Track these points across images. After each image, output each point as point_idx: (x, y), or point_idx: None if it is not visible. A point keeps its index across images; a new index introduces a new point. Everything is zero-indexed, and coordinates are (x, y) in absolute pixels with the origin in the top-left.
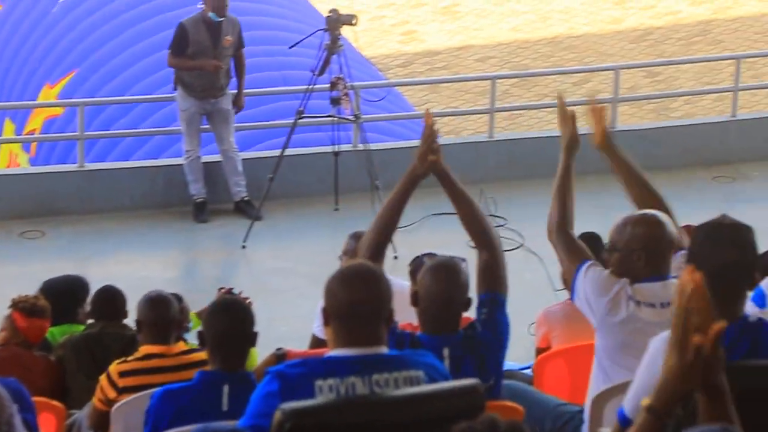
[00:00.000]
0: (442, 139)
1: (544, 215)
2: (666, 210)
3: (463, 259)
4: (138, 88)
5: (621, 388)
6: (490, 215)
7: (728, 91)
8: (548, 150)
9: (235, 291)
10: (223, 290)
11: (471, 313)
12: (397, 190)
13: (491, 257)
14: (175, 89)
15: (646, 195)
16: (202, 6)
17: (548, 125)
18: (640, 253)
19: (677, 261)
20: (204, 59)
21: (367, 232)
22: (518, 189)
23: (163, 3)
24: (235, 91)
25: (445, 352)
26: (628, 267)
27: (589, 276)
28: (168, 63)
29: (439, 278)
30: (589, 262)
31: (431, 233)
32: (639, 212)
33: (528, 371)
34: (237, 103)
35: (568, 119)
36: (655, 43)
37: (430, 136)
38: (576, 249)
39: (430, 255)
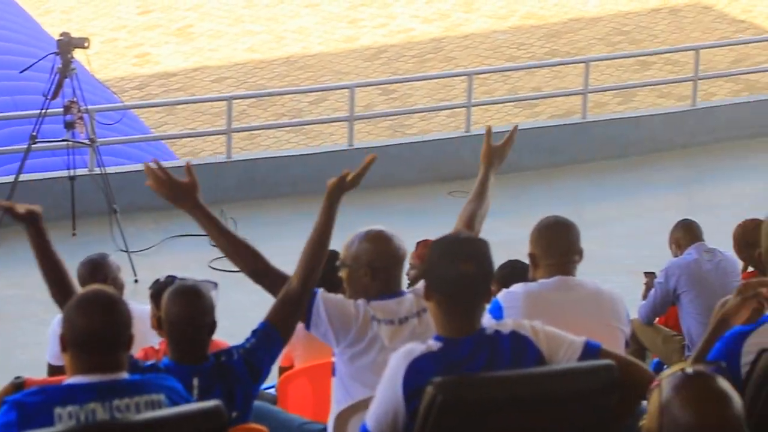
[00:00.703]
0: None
1: (283, 234)
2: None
3: (215, 284)
4: None
5: (363, 405)
6: None
7: (461, 107)
8: (287, 169)
9: None
10: None
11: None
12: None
13: (297, 294)
14: None
15: (465, 213)
16: None
17: (286, 144)
18: (366, 269)
19: None
20: None
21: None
22: (258, 208)
23: None
24: None
25: (195, 381)
26: (357, 283)
27: (330, 303)
28: None
29: (181, 303)
30: (321, 290)
31: (172, 255)
32: (367, 228)
33: (272, 391)
34: None
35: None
36: (389, 61)
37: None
38: None
39: (171, 278)
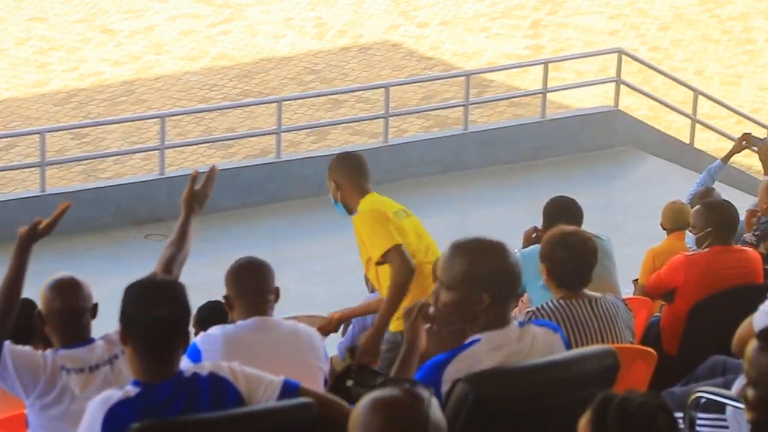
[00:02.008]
0: None
1: None
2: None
3: None
4: None
5: None
6: None
7: (155, 150)
8: None
9: None
10: None
11: None
12: None
13: None
14: None
15: (164, 257)
16: None
17: None
18: (51, 320)
19: None
20: None
21: None
22: None
23: None
24: None
25: None
26: (49, 334)
27: (16, 355)
28: None
29: None
30: (8, 342)
31: None
32: (56, 276)
33: None
34: None
35: None
36: (80, 105)
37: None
38: None
39: None
